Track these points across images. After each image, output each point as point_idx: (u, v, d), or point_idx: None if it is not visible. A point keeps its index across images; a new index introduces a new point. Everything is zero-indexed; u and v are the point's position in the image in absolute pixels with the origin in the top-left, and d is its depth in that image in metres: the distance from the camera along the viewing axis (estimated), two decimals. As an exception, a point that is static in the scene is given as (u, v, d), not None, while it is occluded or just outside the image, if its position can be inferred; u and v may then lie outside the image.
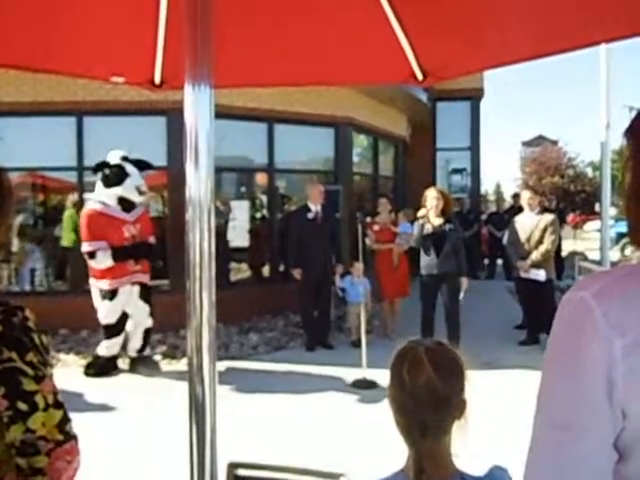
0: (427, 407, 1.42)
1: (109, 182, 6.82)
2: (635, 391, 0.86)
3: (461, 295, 7.13)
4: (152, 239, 7.23)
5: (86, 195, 7.25)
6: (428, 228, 7.11)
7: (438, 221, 7.10)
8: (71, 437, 1.37)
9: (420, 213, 7.25)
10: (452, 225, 7.15)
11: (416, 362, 1.45)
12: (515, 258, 8.02)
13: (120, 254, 6.72)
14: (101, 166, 6.91)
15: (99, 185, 6.93)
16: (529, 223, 7.96)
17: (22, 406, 1.31)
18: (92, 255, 6.72)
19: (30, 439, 1.31)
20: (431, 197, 7.14)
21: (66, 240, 9.12)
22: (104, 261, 6.69)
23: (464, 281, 7.13)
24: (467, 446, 1.48)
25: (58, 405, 1.37)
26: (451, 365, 1.48)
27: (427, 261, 7.21)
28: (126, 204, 6.88)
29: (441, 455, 1.46)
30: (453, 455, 1.48)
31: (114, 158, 6.91)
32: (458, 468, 1.47)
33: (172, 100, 7.47)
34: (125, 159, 6.92)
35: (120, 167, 6.82)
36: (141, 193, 6.93)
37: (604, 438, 0.90)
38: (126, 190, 6.81)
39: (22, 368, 1.32)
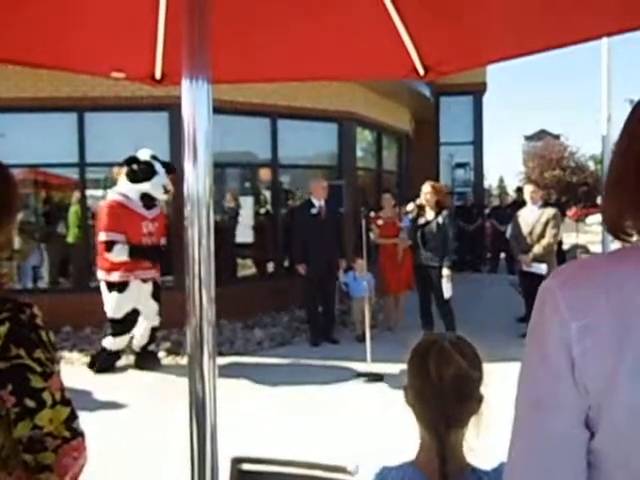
0: (453, 398, 1.43)
1: (136, 177, 6.85)
2: (590, 371, 0.92)
3: (444, 286, 7.17)
4: (163, 241, 7.23)
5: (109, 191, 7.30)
6: (420, 221, 7.33)
7: (430, 215, 7.28)
8: (78, 434, 1.38)
9: (408, 207, 7.46)
10: (443, 219, 7.25)
11: (444, 354, 1.45)
12: (517, 252, 8.05)
13: (137, 252, 6.72)
14: (130, 161, 6.93)
15: (123, 179, 6.94)
16: (531, 217, 7.99)
17: (30, 403, 1.31)
18: (109, 247, 6.65)
19: (37, 435, 1.31)
20: (423, 192, 7.42)
21: (71, 236, 9.13)
22: (121, 254, 6.65)
23: (445, 273, 7.19)
24: (480, 441, 1.49)
25: (65, 402, 1.38)
26: (474, 356, 1.51)
27: (418, 254, 7.48)
28: (148, 201, 6.92)
29: (459, 448, 1.48)
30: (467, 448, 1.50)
31: (144, 155, 6.97)
32: (469, 462, 1.49)
33: (174, 95, 7.37)
34: (154, 158, 7.00)
35: (150, 164, 6.89)
36: (166, 191, 6.99)
37: (573, 415, 0.94)
38: (153, 187, 6.86)
39: (30, 365, 1.33)
